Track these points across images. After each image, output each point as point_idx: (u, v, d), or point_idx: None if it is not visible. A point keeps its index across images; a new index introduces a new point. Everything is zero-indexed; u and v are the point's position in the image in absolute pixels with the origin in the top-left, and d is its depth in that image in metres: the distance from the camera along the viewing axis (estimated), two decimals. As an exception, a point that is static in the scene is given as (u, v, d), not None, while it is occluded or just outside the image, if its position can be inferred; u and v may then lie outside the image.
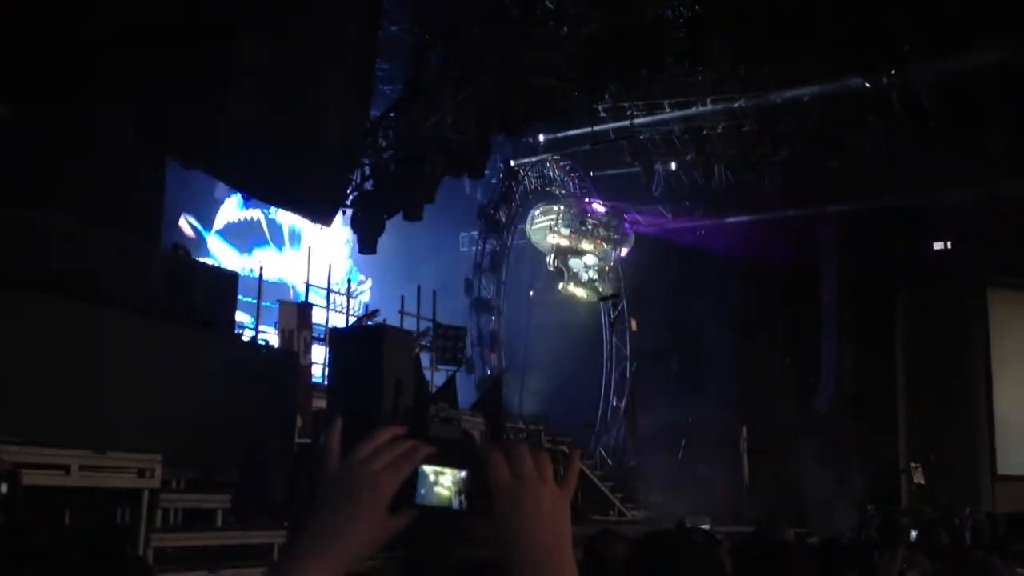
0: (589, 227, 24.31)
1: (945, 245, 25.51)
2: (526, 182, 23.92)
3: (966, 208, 22.13)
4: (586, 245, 24.43)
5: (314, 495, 1.14)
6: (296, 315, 13.97)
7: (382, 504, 1.08)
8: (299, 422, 12.15)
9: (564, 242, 24.18)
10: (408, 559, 4.73)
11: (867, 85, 18.55)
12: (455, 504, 1.10)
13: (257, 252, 21.44)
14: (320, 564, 1.06)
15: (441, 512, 1.10)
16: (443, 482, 1.10)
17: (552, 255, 24.32)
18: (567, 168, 24.59)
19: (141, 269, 10.44)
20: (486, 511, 1.09)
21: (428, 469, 1.09)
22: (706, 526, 3.88)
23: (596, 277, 24.99)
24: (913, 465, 21.55)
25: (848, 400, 24.17)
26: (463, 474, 1.10)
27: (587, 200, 24.48)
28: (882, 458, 22.70)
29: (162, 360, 10.16)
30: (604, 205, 24.60)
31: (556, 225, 24.24)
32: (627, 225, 25.12)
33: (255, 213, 21.37)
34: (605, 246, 24.64)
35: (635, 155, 23.61)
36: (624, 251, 25.10)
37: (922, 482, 21.09)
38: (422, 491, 1.09)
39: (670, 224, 25.52)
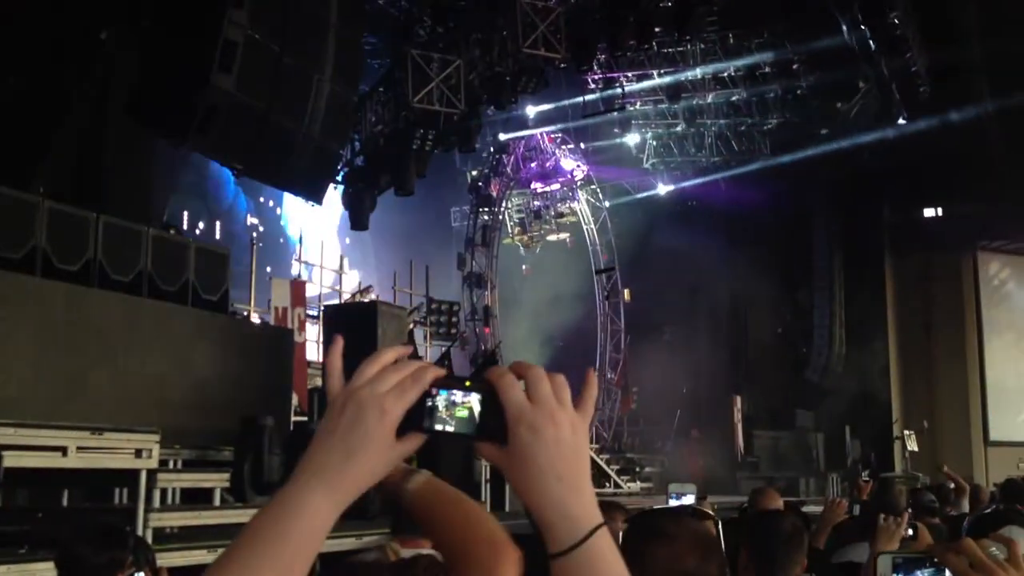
0: (542, 209, 25.19)
1: (936, 211, 25.55)
2: (517, 155, 23.86)
3: (957, 174, 22.14)
4: (545, 226, 25.53)
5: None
6: (289, 292, 13.93)
7: (388, 429, 1.01)
8: (294, 400, 12.15)
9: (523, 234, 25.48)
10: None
11: (857, 52, 18.47)
12: (466, 430, 1.02)
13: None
14: (325, 491, 1.00)
15: (451, 438, 1.03)
16: (453, 406, 1.03)
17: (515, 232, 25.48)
18: (558, 140, 24.54)
19: (132, 248, 10.37)
20: (500, 438, 1.01)
21: (437, 393, 1.03)
22: (691, 496, 3.85)
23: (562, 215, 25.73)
24: (906, 432, 21.67)
25: (840, 369, 24.28)
26: (475, 398, 1.02)
27: (532, 190, 24.83)
28: (875, 426, 22.84)
29: (156, 340, 10.13)
30: (570, 156, 24.90)
31: (511, 229, 25.23)
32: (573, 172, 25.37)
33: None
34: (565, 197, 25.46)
35: (625, 126, 23.58)
36: (579, 176, 25.57)
37: (915, 449, 21.23)
38: (431, 415, 1.02)
39: (662, 195, 25.50)
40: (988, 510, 4.45)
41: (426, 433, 1.03)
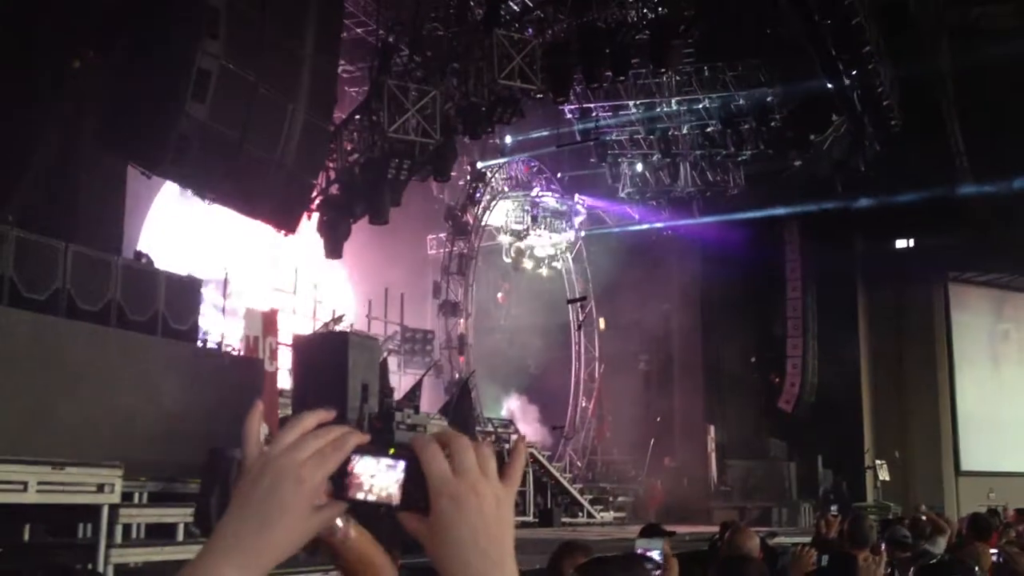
0: (539, 216, 24.88)
1: (907, 243, 25.82)
2: (493, 184, 23.90)
3: (927, 206, 22.39)
4: (538, 233, 25.08)
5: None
6: (261, 321, 13.82)
7: (306, 499, 0.98)
8: (265, 430, 12.01)
9: (517, 240, 24.97)
10: None
11: (830, 85, 18.68)
12: (389, 499, 0.98)
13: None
14: (238, 564, 0.96)
15: (373, 507, 0.99)
16: (376, 475, 0.99)
17: (508, 247, 24.96)
18: (534, 170, 24.61)
19: (100, 277, 10.28)
20: (423, 509, 0.97)
21: (359, 460, 0.99)
22: (657, 551, 3.74)
23: (554, 252, 25.46)
24: (878, 462, 21.77)
25: (813, 399, 24.38)
26: (399, 467, 0.99)
27: (537, 195, 24.76)
28: (847, 455, 22.92)
29: (123, 370, 10.03)
30: (554, 194, 24.88)
31: (506, 223, 24.73)
32: (576, 205, 25.37)
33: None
34: (559, 224, 25.34)
35: (601, 156, 23.69)
36: (577, 223, 25.46)
37: (887, 478, 21.32)
38: (352, 484, 0.99)
39: (637, 224, 25.60)
40: (934, 560, 4.46)
41: (347, 502, 1.00)
